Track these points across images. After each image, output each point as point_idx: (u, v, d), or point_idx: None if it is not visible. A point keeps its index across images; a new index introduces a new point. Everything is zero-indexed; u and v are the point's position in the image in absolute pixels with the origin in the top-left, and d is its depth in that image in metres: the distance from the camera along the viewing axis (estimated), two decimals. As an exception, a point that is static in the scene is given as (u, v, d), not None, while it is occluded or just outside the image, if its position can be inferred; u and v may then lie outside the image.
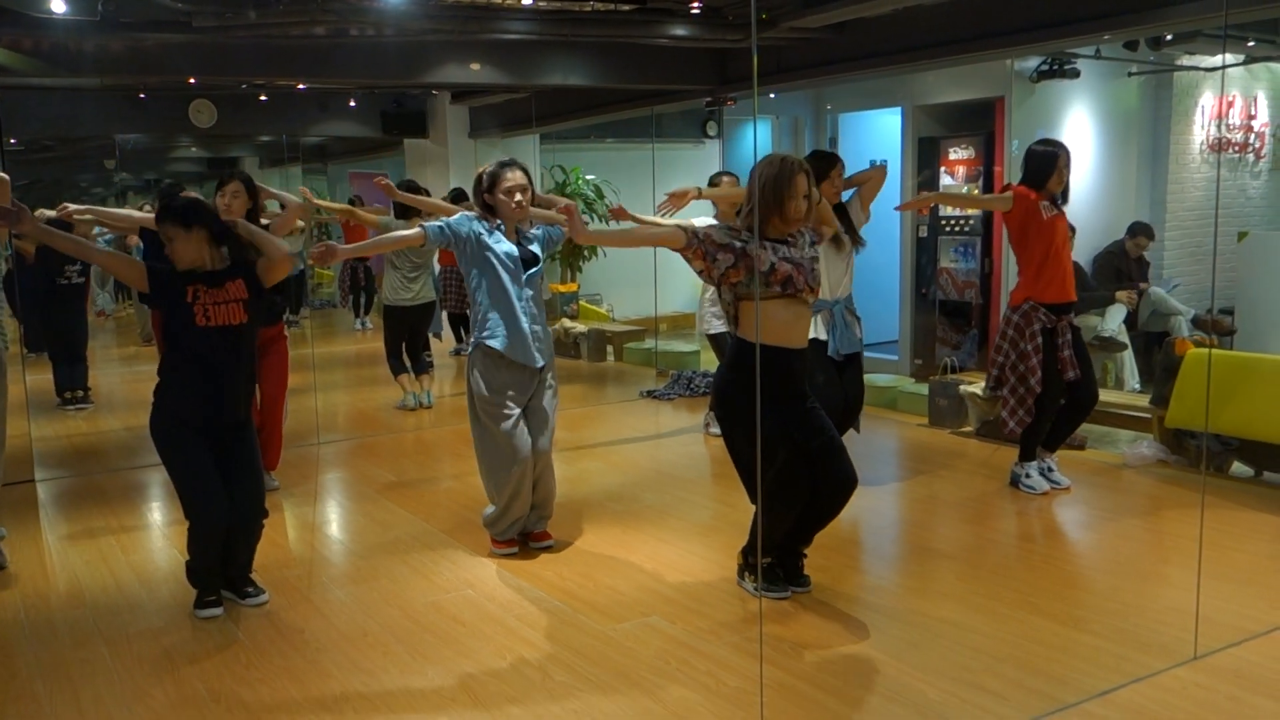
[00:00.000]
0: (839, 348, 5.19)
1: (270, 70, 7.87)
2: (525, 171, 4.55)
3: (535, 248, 4.60)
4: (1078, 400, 5.45)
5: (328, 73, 8.13)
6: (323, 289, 13.56)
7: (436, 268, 9.44)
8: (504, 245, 4.48)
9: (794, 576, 4.13)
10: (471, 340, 4.60)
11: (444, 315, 9.81)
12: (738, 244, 3.83)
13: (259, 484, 4.11)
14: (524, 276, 4.50)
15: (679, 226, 3.97)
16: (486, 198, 4.49)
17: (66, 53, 7.02)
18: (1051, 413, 5.39)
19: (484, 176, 4.53)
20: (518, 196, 4.45)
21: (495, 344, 4.44)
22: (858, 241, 5.35)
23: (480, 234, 4.46)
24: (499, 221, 4.52)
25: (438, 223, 4.50)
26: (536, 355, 4.49)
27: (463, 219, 4.50)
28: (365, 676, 3.51)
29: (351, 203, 11.54)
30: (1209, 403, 5.58)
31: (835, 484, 3.90)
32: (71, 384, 8.37)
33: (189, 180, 12.70)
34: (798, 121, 10.80)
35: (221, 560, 4.08)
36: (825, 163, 5.24)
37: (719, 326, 6.49)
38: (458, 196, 9.91)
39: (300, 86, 9.38)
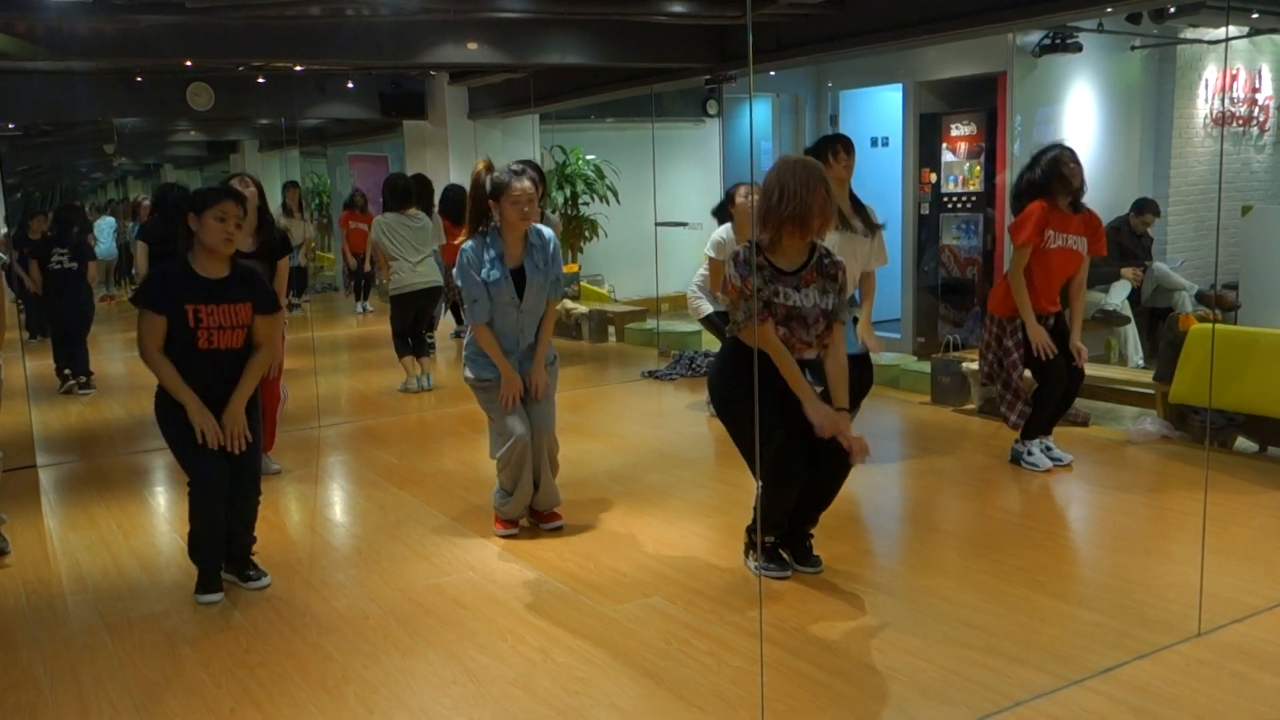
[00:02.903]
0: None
1: (266, 51, 7.82)
2: (534, 179, 4.42)
3: (533, 260, 4.46)
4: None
5: (324, 54, 8.08)
6: (324, 272, 13.53)
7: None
8: (494, 274, 4.41)
9: (803, 558, 4.11)
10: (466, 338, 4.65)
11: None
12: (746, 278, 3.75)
13: (255, 459, 4.10)
14: (520, 304, 4.46)
15: (749, 320, 3.80)
16: (491, 204, 4.40)
17: (61, 35, 6.97)
18: (1056, 393, 5.38)
19: (487, 182, 4.41)
20: (525, 208, 4.34)
21: (468, 372, 4.56)
22: (875, 228, 5.31)
23: (480, 267, 4.42)
24: (491, 241, 4.42)
25: (471, 297, 4.45)
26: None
27: (467, 266, 4.42)
28: (366, 659, 3.51)
29: (353, 196, 11.49)
30: (1213, 378, 5.55)
31: (831, 466, 3.90)
32: (74, 368, 8.35)
33: (188, 164, 12.67)
34: (798, 99, 10.74)
35: (223, 536, 4.08)
36: (832, 145, 5.18)
37: (708, 308, 6.54)
38: (454, 194, 9.90)
39: (297, 68, 9.33)
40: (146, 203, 9.51)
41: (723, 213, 6.41)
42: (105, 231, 11.03)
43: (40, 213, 8.95)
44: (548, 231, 4.58)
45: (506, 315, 4.47)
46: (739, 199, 6.00)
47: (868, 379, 5.31)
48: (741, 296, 3.79)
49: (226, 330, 3.91)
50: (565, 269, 11.22)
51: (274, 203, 11.62)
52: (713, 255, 6.19)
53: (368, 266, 10.41)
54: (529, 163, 4.52)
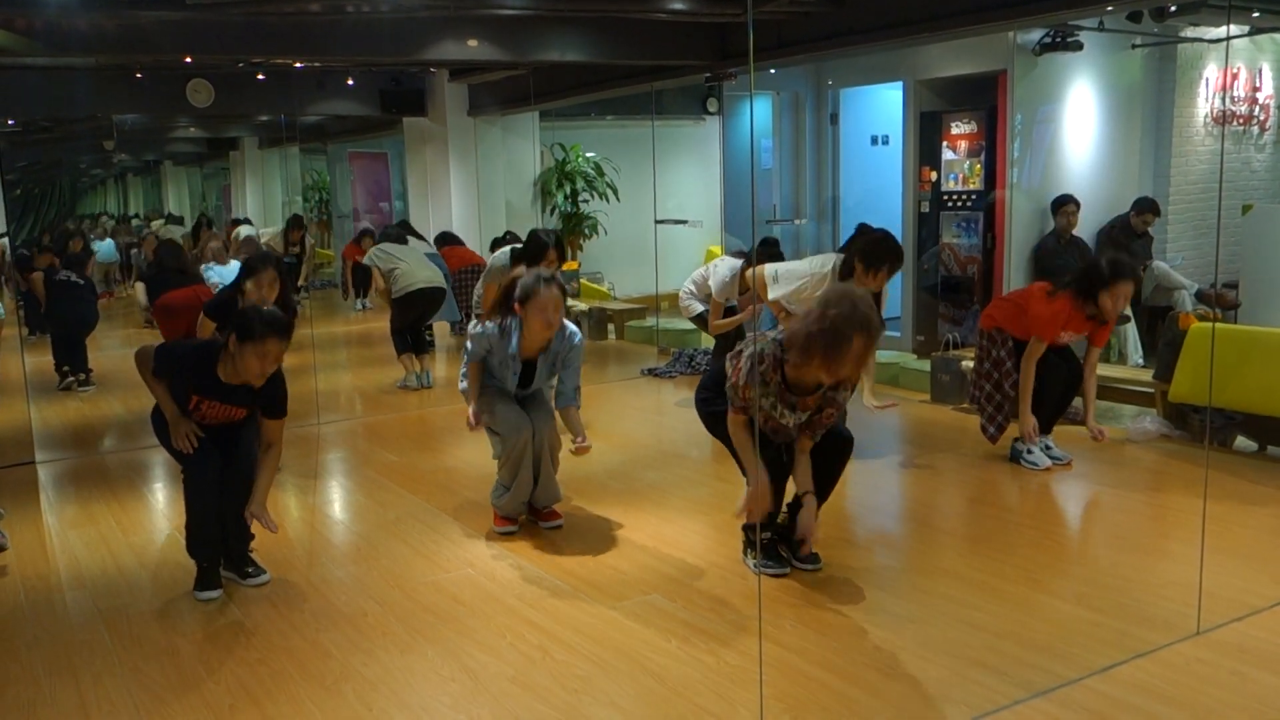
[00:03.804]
0: None
1: (266, 48, 7.80)
2: (563, 289, 4.43)
3: (546, 356, 4.51)
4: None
5: (324, 51, 8.05)
6: (324, 269, 13.52)
7: None
8: (505, 366, 4.50)
9: (802, 556, 4.12)
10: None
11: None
12: (763, 380, 3.76)
13: (249, 460, 4.12)
14: (525, 390, 4.60)
15: (733, 409, 3.88)
16: (516, 306, 4.41)
17: (60, 31, 6.95)
18: (1055, 393, 5.40)
19: (517, 285, 4.40)
20: (550, 316, 4.34)
21: (465, 384, 4.63)
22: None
23: (494, 346, 4.49)
24: (514, 338, 4.44)
25: (473, 347, 4.55)
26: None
27: (481, 342, 4.50)
28: (365, 656, 3.50)
29: (361, 237, 11.49)
30: (1212, 377, 5.55)
31: (828, 459, 3.92)
32: (73, 365, 8.35)
33: (187, 160, 12.66)
34: (798, 97, 10.72)
35: (219, 529, 4.08)
36: (880, 260, 5.09)
37: (699, 308, 6.69)
38: (445, 239, 9.95)
39: (297, 65, 9.31)
40: (151, 240, 9.70)
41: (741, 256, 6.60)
42: (105, 249, 11.10)
43: (48, 248, 9.02)
44: (575, 335, 4.55)
45: (506, 389, 4.60)
46: (747, 274, 6.15)
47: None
48: (735, 392, 3.83)
49: (220, 418, 4.04)
50: (566, 266, 11.26)
51: (273, 218, 11.70)
52: (717, 299, 6.46)
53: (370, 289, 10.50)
54: (555, 277, 4.44)
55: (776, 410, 3.81)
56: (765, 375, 3.74)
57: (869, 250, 5.10)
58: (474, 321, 4.66)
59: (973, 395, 5.72)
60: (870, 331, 3.54)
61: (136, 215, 12.25)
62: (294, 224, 10.94)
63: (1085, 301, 5.20)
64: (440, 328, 10.04)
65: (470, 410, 4.61)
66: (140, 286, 7.44)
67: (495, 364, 4.54)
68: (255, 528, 4.23)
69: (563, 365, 4.57)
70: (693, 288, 6.84)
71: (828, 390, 3.80)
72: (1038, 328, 5.27)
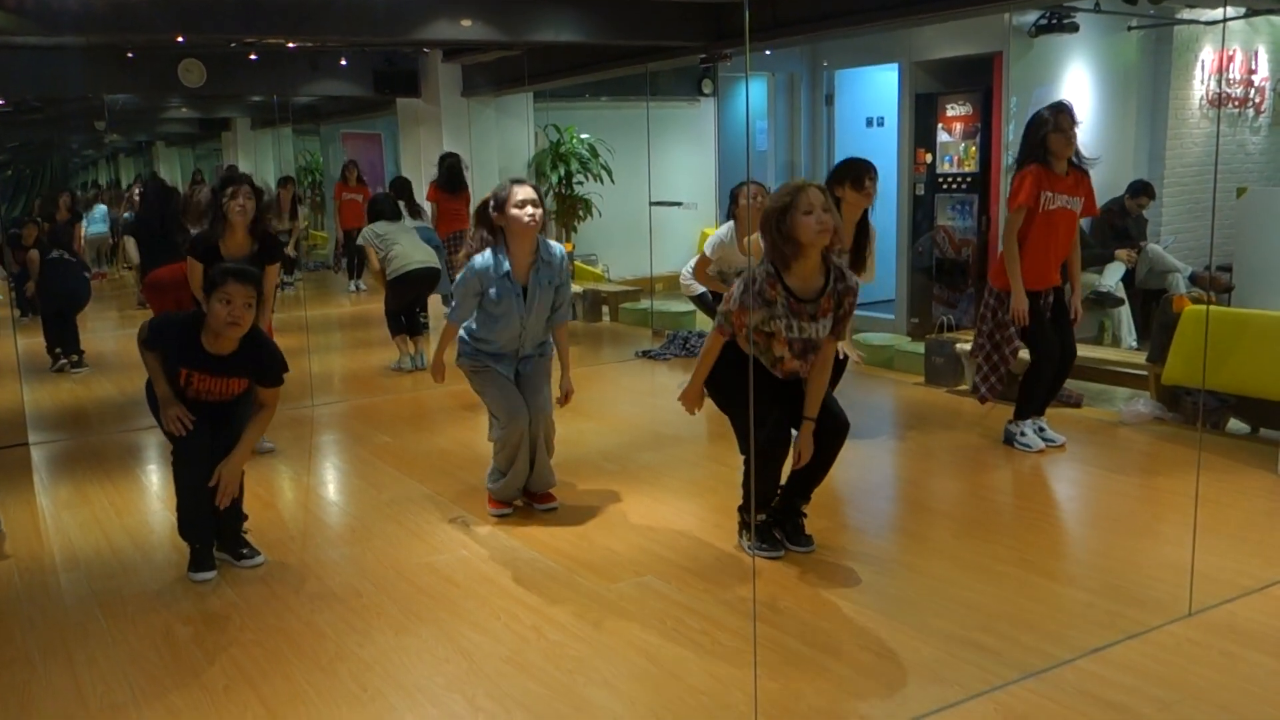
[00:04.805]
0: None
1: (258, 27, 7.75)
2: (535, 188, 4.39)
3: (538, 278, 4.43)
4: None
5: (317, 30, 8.01)
6: (317, 250, 13.49)
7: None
8: (504, 291, 4.39)
9: (795, 537, 4.13)
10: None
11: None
12: (764, 300, 3.77)
13: (238, 430, 4.10)
14: (524, 320, 4.45)
15: (717, 328, 3.93)
16: (496, 217, 4.36)
17: (51, 10, 6.90)
18: (1049, 372, 5.39)
19: (491, 200, 4.38)
20: (529, 210, 4.29)
21: (463, 362, 4.55)
22: (862, 270, 5.20)
23: (489, 285, 4.39)
24: (504, 258, 4.38)
25: (457, 302, 4.45)
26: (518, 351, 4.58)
27: (472, 279, 4.39)
28: (359, 637, 3.51)
29: (345, 169, 11.46)
30: (1206, 360, 5.56)
31: (824, 442, 3.93)
32: (65, 347, 8.33)
33: (179, 141, 12.60)
34: (793, 78, 10.69)
35: (210, 509, 4.07)
36: (858, 170, 5.08)
37: (699, 289, 6.64)
38: (451, 162, 9.87)
39: (290, 45, 9.26)
40: (139, 195, 9.54)
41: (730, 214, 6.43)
42: (97, 218, 11.00)
43: (33, 220, 8.96)
44: (557, 248, 4.52)
45: (509, 327, 4.45)
46: (741, 200, 6.00)
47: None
48: (727, 319, 3.85)
49: (214, 394, 3.99)
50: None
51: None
52: (708, 254, 6.30)
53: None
54: (521, 178, 4.41)
55: (794, 329, 3.79)
56: (766, 294, 3.74)
57: (841, 167, 5.18)
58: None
59: (973, 349, 5.68)
60: (812, 184, 3.74)
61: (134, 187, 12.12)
62: (283, 183, 10.80)
63: (1048, 159, 5.13)
64: (435, 311, 10.02)
65: (432, 365, 4.66)
66: (131, 243, 6.93)
67: (492, 303, 4.39)
68: (248, 509, 4.23)
69: (557, 280, 4.50)
70: (692, 271, 6.77)
71: (836, 283, 3.82)
72: (1012, 198, 5.20)
